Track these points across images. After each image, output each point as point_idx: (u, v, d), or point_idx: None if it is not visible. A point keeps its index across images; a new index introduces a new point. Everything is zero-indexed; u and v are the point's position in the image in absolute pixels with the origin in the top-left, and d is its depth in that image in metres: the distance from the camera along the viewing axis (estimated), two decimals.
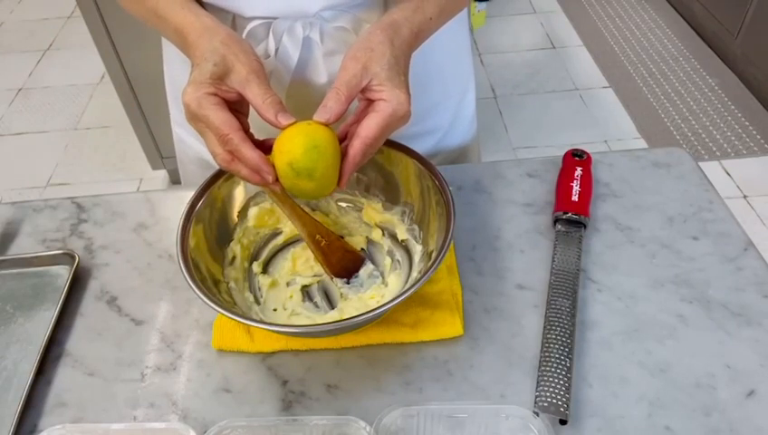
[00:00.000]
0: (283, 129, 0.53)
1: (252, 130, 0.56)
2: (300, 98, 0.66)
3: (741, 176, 1.96)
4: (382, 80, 0.53)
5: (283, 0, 0.61)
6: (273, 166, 0.53)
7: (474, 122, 0.87)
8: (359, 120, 0.55)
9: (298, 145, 0.51)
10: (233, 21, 0.65)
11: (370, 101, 0.54)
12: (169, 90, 0.82)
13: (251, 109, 0.55)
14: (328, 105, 0.53)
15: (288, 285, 0.66)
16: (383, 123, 0.53)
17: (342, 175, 0.54)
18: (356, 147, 0.53)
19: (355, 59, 0.54)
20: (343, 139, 0.56)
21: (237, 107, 0.55)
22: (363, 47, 0.54)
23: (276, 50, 0.64)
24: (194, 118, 0.53)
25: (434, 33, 0.62)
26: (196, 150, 0.82)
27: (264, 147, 0.55)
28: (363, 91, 0.54)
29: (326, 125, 0.53)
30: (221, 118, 0.51)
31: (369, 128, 0.53)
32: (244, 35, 0.63)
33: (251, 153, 0.52)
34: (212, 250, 0.63)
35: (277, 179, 0.53)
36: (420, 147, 0.75)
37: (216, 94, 0.52)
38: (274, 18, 0.63)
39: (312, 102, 0.56)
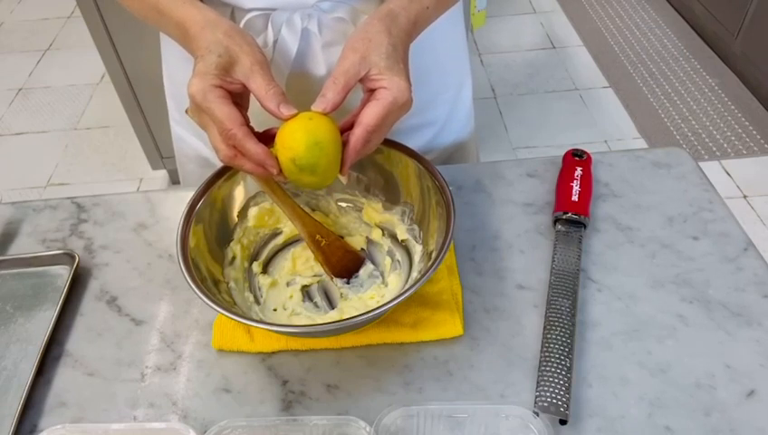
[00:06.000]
0: (284, 120, 0.53)
1: (252, 124, 0.56)
2: (299, 89, 0.67)
3: (741, 176, 1.96)
4: (381, 68, 0.54)
5: None
6: (277, 158, 0.53)
7: (471, 118, 0.87)
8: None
9: (300, 142, 0.52)
10: (231, 13, 0.65)
11: (372, 91, 0.55)
12: (168, 88, 0.82)
13: (253, 100, 0.56)
14: (327, 95, 0.53)
15: (288, 285, 0.66)
16: (384, 111, 0.53)
17: (344, 163, 0.54)
18: (357, 135, 0.53)
19: (353, 49, 0.54)
20: (348, 130, 0.56)
21: (238, 99, 0.55)
22: (361, 37, 0.55)
23: (275, 41, 0.64)
24: (198, 110, 0.54)
25: (432, 22, 0.62)
26: (195, 149, 0.82)
27: (267, 136, 0.56)
28: (363, 81, 0.54)
29: (325, 115, 0.53)
30: (225, 112, 0.52)
31: (369, 116, 0.53)
32: (241, 27, 0.63)
33: (255, 148, 0.52)
34: (212, 250, 0.63)
35: (281, 171, 0.54)
36: (418, 140, 0.75)
37: (220, 87, 0.53)
38: (273, 9, 0.63)
39: (311, 94, 0.56)
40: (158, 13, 0.60)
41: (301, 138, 0.52)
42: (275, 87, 0.53)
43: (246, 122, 0.54)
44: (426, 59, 0.72)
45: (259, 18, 0.64)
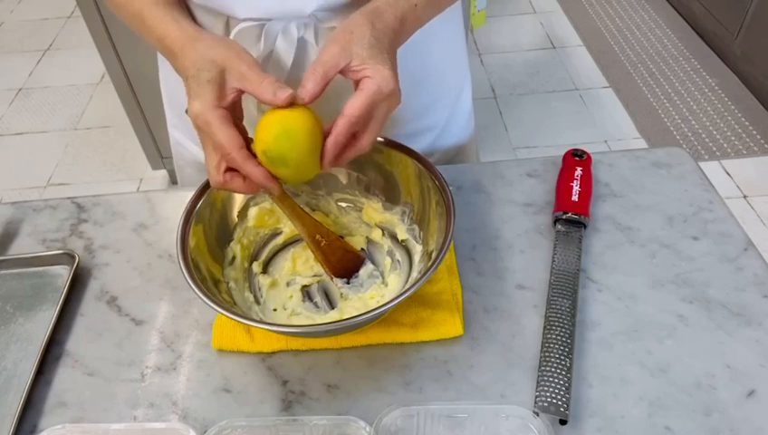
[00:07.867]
0: (282, 105, 0.52)
1: (251, 133, 0.56)
2: None
3: (741, 176, 1.96)
4: (364, 58, 0.52)
5: (277, 0, 0.61)
6: (278, 179, 0.53)
7: (471, 120, 0.87)
8: None
9: (270, 133, 0.51)
10: (226, 23, 0.64)
11: (357, 83, 0.54)
12: (165, 92, 0.82)
13: (247, 108, 0.55)
14: (306, 86, 0.52)
15: (288, 285, 0.66)
16: (368, 100, 0.52)
17: (324, 155, 0.53)
18: (339, 125, 0.52)
19: (334, 41, 0.53)
20: None
21: (231, 110, 0.54)
22: (342, 30, 0.54)
23: (270, 51, 0.64)
24: (200, 131, 0.53)
25: (425, 21, 0.61)
26: (193, 153, 0.82)
27: None
28: (346, 73, 0.53)
29: (305, 107, 0.52)
30: (225, 135, 0.51)
31: (352, 106, 0.51)
32: (232, 37, 0.62)
33: (254, 170, 0.52)
34: (212, 250, 0.63)
35: (283, 190, 0.53)
36: (418, 145, 0.75)
37: (220, 107, 0.52)
38: (269, 19, 0.63)
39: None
40: (142, 23, 0.60)
41: (271, 128, 0.51)
42: (267, 77, 0.52)
43: (247, 143, 0.53)
44: (425, 64, 0.72)
45: (253, 29, 0.63)
